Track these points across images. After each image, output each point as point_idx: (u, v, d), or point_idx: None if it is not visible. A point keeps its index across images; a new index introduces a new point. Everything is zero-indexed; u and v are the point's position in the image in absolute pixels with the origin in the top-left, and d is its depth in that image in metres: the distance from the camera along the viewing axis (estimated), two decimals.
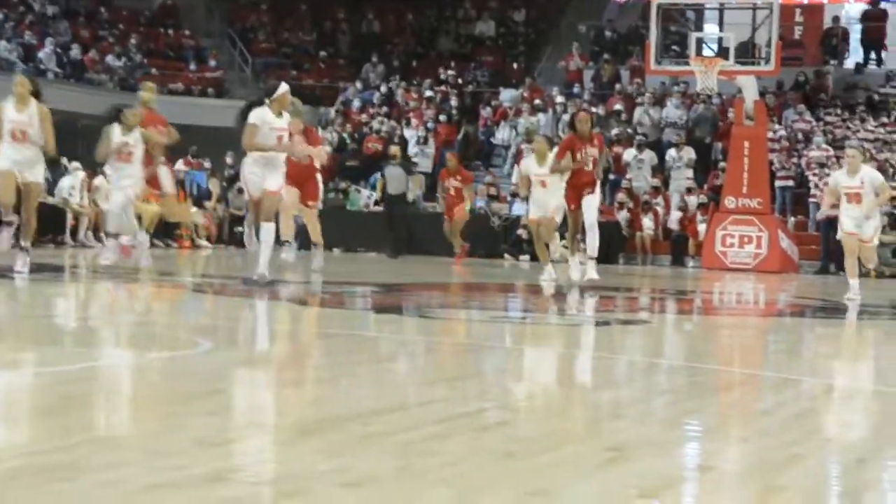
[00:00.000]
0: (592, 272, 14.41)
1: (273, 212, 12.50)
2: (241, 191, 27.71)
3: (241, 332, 8.72)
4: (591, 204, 14.39)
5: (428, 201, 26.64)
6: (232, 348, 7.17)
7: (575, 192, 14.45)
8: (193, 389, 5.30)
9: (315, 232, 16.24)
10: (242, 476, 3.57)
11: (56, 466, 3.57)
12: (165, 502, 3.21)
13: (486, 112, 30.01)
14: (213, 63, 33.82)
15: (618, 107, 28.25)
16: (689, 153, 26.26)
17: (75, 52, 30.89)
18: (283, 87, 12.37)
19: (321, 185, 16.81)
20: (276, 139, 12.22)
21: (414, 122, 29.83)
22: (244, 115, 12.39)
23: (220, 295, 12.61)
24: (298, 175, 14.74)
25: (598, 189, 14.69)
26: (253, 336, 8.49)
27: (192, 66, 33.56)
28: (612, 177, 25.73)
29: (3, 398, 4.81)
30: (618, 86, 29.39)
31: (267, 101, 12.15)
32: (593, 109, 27.66)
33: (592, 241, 14.37)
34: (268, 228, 12.42)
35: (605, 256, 22.43)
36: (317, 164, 15.75)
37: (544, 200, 15.56)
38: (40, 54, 29.73)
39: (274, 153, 12.30)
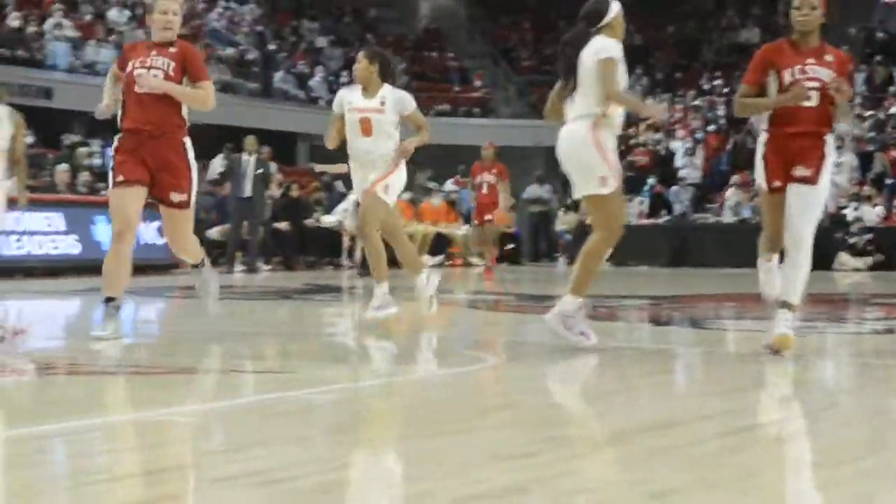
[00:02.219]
0: None
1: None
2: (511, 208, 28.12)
3: (522, 347, 8.78)
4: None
5: (697, 212, 26.36)
6: (516, 363, 7.24)
7: None
8: (486, 403, 5.38)
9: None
10: (544, 488, 3.60)
11: (351, 481, 3.68)
12: None
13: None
14: (477, 83, 34.26)
15: (893, 110, 27.33)
16: None
17: (345, 79, 31.76)
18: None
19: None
20: None
21: (680, 132, 29.53)
22: None
23: (495, 311, 12.73)
24: None
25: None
26: (535, 351, 8.54)
27: (457, 87, 34.06)
28: (888, 181, 24.89)
29: (303, 415, 4.98)
30: (892, 88, 28.45)
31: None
32: (868, 113, 26.85)
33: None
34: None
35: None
36: None
37: None
38: (311, 83, 30.67)
39: None
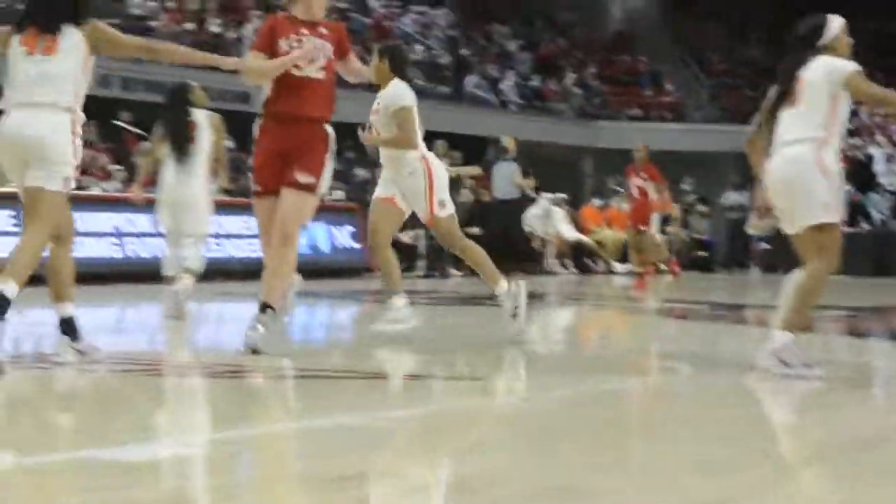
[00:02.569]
0: None
1: None
2: (702, 215, 27.70)
3: (718, 357, 8.63)
4: None
5: None
6: (713, 374, 7.10)
7: None
8: (688, 414, 5.29)
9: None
10: (752, 501, 3.52)
11: (568, 489, 3.64)
12: None
13: None
14: (669, 87, 33.92)
15: None
16: None
17: (535, 82, 31.77)
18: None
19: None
20: None
21: (880, 138, 28.75)
22: None
23: (687, 320, 12.55)
24: None
25: None
26: (731, 361, 8.38)
27: (649, 91, 33.78)
28: None
29: (502, 423, 4.95)
30: None
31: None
32: None
33: None
34: None
35: None
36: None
37: None
38: (503, 86, 30.75)
39: None
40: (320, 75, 7.30)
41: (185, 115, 10.50)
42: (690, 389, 6.30)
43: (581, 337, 10.82)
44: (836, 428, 5.07)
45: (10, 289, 6.11)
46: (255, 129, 7.53)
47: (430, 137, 21.61)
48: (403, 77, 8.56)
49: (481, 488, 3.67)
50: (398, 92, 8.46)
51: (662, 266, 21.28)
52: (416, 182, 8.47)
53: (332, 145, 7.34)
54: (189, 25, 24.99)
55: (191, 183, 10.36)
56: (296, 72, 7.23)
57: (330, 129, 7.39)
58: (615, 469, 3.96)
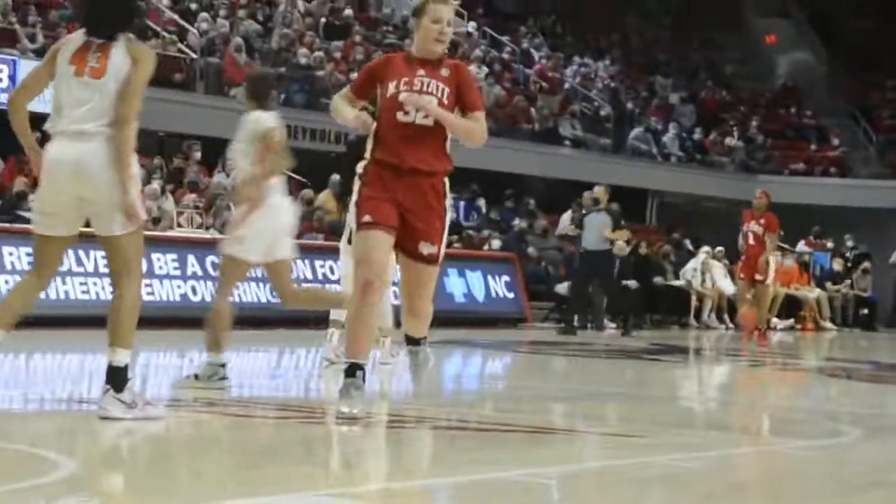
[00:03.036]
0: None
1: None
2: (865, 271, 27.08)
3: (882, 419, 8.37)
4: None
5: None
6: (879, 438, 6.88)
7: None
8: (855, 480, 5.12)
9: None
10: None
11: None
12: None
13: None
14: (835, 142, 33.32)
15: None
16: None
17: (698, 135, 31.46)
18: None
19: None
20: None
21: None
22: None
23: (850, 380, 12.22)
24: None
25: None
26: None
27: (814, 146, 33.21)
28: None
29: (667, 482, 4.85)
30: None
31: None
32: None
33: None
34: None
35: None
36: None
37: None
38: (664, 138, 30.55)
39: None
40: (427, 122, 6.39)
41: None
42: (856, 453, 6.10)
43: (743, 396, 10.60)
44: None
45: (122, 359, 5.93)
46: (360, 171, 7.09)
47: (590, 188, 21.56)
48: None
49: None
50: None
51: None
52: None
53: (448, 200, 6.51)
54: (353, 75, 25.28)
55: None
56: (402, 118, 6.40)
57: (446, 182, 6.55)
58: None
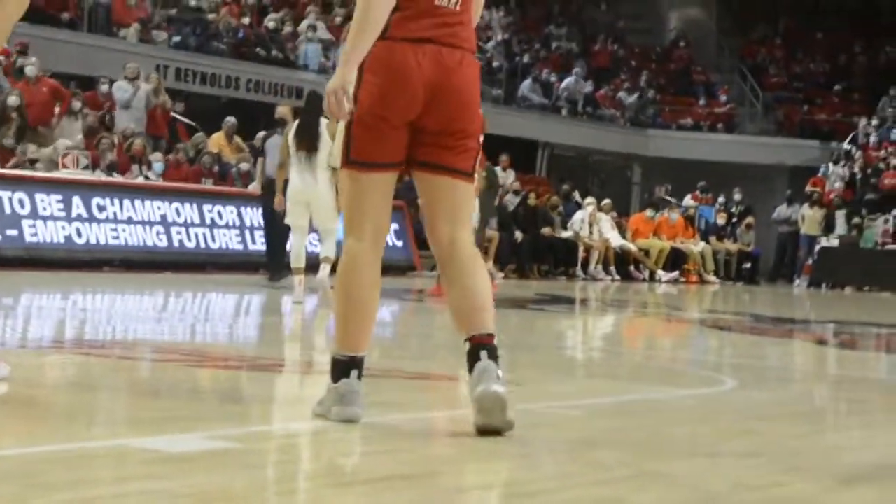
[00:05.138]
0: None
1: None
2: (749, 226, 27.56)
3: (760, 371, 8.57)
4: None
5: None
6: (755, 388, 7.04)
7: None
8: (728, 428, 5.25)
9: None
10: None
11: (605, 500, 3.61)
12: None
13: None
14: (723, 98, 33.76)
15: None
16: None
17: (589, 88, 31.66)
18: None
19: None
20: None
21: None
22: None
23: (730, 331, 12.47)
24: None
25: None
26: (777, 375, 8.32)
27: (703, 102, 33.62)
28: None
29: (536, 429, 4.92)
30: None
31: None
32: None
33: None
34: None
35: None
36: None
37: None
38: (557, 90, 30.69)
39: None
40: None
41: (317, 122, 11.62)
42: (731, 403, 6.25)
43: (626, 345, 10.77)
44: (872, 449, 5.02)
45: None
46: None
47: (486, 140, 21.67)
48: None
49: (527, 495, 3.66)
50: None
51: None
52: None
53: None
54: (246, 20, 25.08)
55: (317, 183, 11.59)
56: None
57: None
58: (652, 484, 3.92)
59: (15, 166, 16.77)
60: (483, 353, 4.48)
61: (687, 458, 4.38)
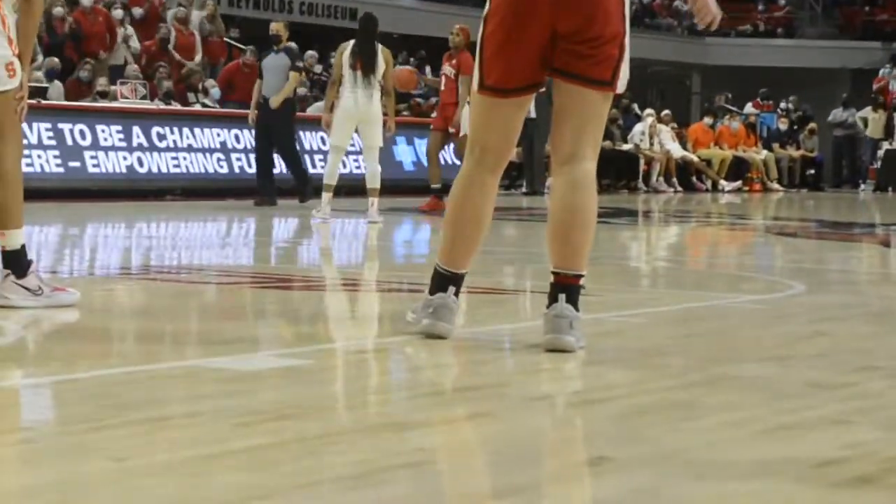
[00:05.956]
0: None
1: None
2: (812, 132, 27.23)
3: (825, 274, 8.52)
4: None
5: None
6: (822, 292, 6.99)
7: None
8: (797, 332, 5.22)
9: None
10: (867, 418, 3.45)
11: (677, 405, 3.61)
12: (792, 443, 3.15)
13: None
14: (781, 1, 33.26)
15: None
16: None
17: None
18: None
19: None
20: None
21: None
22: None
23: (795, 238, 12.36)
24: None
25: None
26: (844, 279, 8.27)
27: (761, 7, 33.14)
28: None
29: (610, 338, 4.92)
30: None
31: None
32: None
33: None
34: None
35: None
36: None
37: None
38: None
39: None
40: None
41: (373, 43, 12.13)
42: (798, 307, 6.21)
43: (692, 255, 10.72)
44: None
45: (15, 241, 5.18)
46: None
47: None
48: None
49: (599, 401, 3.66)
50: None
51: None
52: None
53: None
54: None
55: (372, 104, 12.02)
56: None
57: None
58: (722, 387, 3.91)
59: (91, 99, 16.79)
60: (562, 297, 4.36)
61: (756, 362, 4.37)
